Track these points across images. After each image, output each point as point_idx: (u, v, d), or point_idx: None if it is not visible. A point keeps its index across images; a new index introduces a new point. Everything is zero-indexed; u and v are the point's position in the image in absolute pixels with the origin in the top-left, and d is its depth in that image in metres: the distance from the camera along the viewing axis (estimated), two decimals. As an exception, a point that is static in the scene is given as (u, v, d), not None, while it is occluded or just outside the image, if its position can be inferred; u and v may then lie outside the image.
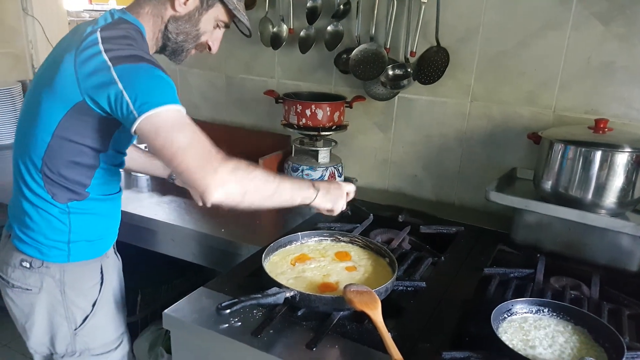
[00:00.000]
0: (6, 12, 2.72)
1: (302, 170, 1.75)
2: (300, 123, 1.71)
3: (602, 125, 1.30)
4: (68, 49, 1.02)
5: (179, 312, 1.04)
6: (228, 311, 0.91)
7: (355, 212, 1.66)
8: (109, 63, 0.96)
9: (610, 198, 1.26)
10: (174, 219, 1.61)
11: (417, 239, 1.49)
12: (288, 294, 1.00)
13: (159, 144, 0.94)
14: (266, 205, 1.04)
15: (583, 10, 1.43)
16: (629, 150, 1.22)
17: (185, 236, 1.57)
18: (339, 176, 1.80)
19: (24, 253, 1.15)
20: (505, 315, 1.00)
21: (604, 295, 1.17)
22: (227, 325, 0.99)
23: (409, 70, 1.66)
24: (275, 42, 1.87)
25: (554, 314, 1.02)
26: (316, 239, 1.32)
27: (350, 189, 1.25)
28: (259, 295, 0.97)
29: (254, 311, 1.04)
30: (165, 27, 1.13)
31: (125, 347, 1.32)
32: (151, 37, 1.14)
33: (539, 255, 1.32)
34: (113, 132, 1.09)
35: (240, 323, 1.00)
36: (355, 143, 1.92)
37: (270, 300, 0.98)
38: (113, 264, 1.29)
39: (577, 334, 0.97)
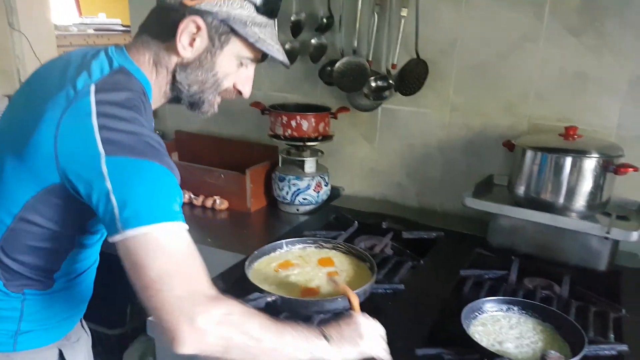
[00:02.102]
0: (-8, 28, 2.77)
1: (289, 180, 1.80)
2: (286, 134, 1.76)
3: (571, 133, 1.36)
4: (51, 102, 0.79)
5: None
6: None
7: (341, 219, 1.73)
8: (101, 149, 0.74)
9: (580, 201, 1.32)
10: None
11: (400, 244, 1.54)
12: (269, 299, 1.05)
13: (134, 266, 0.74)
14: None
15: (555, 24, 1.50)
16: (596, 155, 1.29)
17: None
18: (325, 185, 1.85)
19: None
20: (477, 314, 1.06)
21: (574, 294, 1.23)
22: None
23: (390, 82, 1.73)
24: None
25: (523, 311, 1.07)
26: (300, 246, 1.36)
27: (375, 329, 0.94)
28: (240, 300, 1.02)
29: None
30: (173, 77, 0.91)
31: None
32: (156, 89, 0.92)
33: (513, 257, 1.37)
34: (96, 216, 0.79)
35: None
36: (343, 153, 1.98)
37: (251, 305, 1.01)
38: (77, 344, 1.07)
39: (544, 330, 1.02)
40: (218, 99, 0.97)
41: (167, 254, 0.74)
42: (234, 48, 0.90)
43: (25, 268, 0.89)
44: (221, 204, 1.86)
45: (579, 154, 1.29)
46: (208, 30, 0.87)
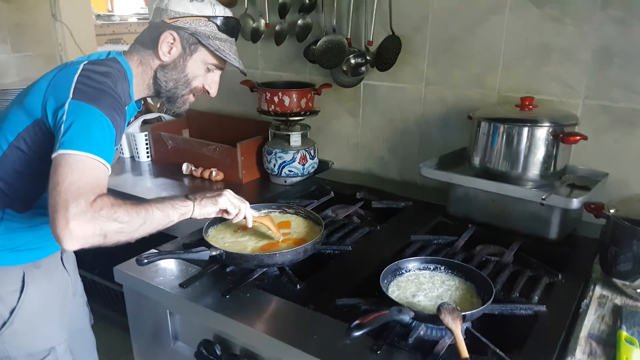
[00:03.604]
0: (38, 18, 3.04)
1: (276, 153, 1.91)
2: (270, 109, 1.87)
3: (527, 103, 1.38)
4: (52, 71, 1.10)
5: (128, 267, 1.23)
6: (146, 261, 1.08)
7: (320, 190, 1.82)
8: (71, 94, 1.01)
9: (533, 170, 1.34)
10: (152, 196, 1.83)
11: (368, 213, 1.62)
12: (214, 252, 1.16)
13: (54, 174, 0.94)
14: (137, 237, 1.00)
15: (520, -5, 1.50)
16: (547, 125, 1.30)
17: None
18: (311, 158, 1.94)
19: None
20: (403, 271, 1.13)
21: (517, 260, 1.26)
22: (162, 278, 1.18)
23: (367, 58, 1.79)
24: (254, 36, 2.04)
25: (450, 271, 1.13)
26: (265, 210, 1.46)
27: (227, 194, 1.17)
28: (182, 252, 1.14)
29: (190, 268, 1.22)
30: (155, 75, 1.20)
31: None
32: (140, 83, 1.20)
33: (470, 225, 1.42)
34: None
35: (173, 276, 1.18)
36: (330, 129, 2.06)
37: (193, 256, 1.14)
38: (47, 276, 1.25)
39: (464, 288, 1.08)
40: (191, 97, 1.26)
41: (76, 174, 0.93)
42: (201, 55, 1.19)
43: (11, 189, 1.13)
44: (217, 175, 2.01)
45: (528, 123, 1.31)
46: (181, 41, 1.17)
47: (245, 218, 1.21)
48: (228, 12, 1.21)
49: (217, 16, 1.18)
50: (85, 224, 0.90)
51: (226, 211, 1.17)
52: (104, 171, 0.98)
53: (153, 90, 1.23)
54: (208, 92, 1.26)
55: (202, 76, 1.23)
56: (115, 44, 4.28)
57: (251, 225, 1.24)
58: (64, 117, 0.98)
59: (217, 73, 1.25)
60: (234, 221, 1.22)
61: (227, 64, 1.24)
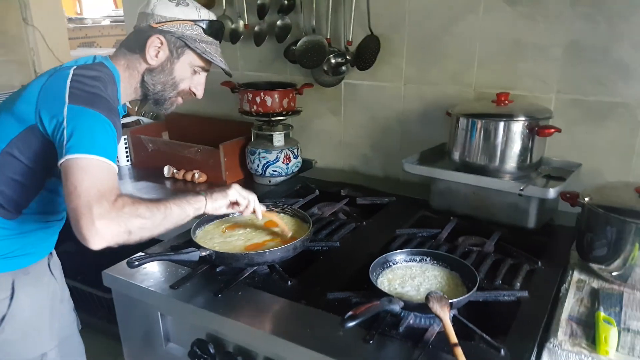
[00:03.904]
0: (8, 23, 2.99)
1: (259, 154, 1.92)
2: (252, 110, 1.88)
3: (503, 98, 1.43)
4: (42, 75, 1.11)
5: (117, 271, 1.23)
6: (137, 263, 1.09)
7: (305, 188, 1.85)
8: (67, 99, 1.02)
9: (510, 163, 1.39)
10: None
11: (353, 209, 1.65)
12: (203, 253, 1.17)
13: (66, 181, 0.96)
14: (158, 233, 1.04)
15: (492, -7, 1.56)
16: (522, 119, 1.35)
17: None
18: (294, 157, 1.97)
19: None
20: (391, 264, 1.16)
21: (498, 250, 1.31)
22: (152, 280, 1.18)
23: (347, 57, 1.82)
24: (233, 37, 2.05)
25: (435, 262, 1.17)
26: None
27: (235, 187, 1.23)
28: (171, 253, 1.15)
29: (179, 270, 1.23)
30: (142, 79, 1.20)
31: None
32: (128, 86, 1.21)
33: (452, 218, 1.46)
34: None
35: (163, 278, 1.19)
36: (313, 128, 2.08)
37: (183, 257, 1.14)
38: (35, 282, 1.24)
39: (450, 278, 1.12)
40: (179, 100, 1.28)
41: (91, 176, 0.96)
42: (188, 58, 1.21)
43: (1, 196, 1.12)
44: (200, 177, 2.01)
45: (505, 117, 1.36)
46: (168, 44, 1.18)
47: (254, 211, 1.26)
48: (213, 16, 1.24)
49: (203, 20, 1.21)
50: (111, 223, 0.93)
51: (236, 203, 1.22)
52: (114, 172, 1.01)
53: (140, 94, 1.24)
54: (194, 94, 1.28)
55: (189, 78, 1.25)
56: (89, 48, 4.22)
57: (261, 218, 1.29)
58: (65, 123, 0.99)
59: (203, 75, 1.28)
60: (245, 213, 1.26)
61: (212, 65, 1.26)
